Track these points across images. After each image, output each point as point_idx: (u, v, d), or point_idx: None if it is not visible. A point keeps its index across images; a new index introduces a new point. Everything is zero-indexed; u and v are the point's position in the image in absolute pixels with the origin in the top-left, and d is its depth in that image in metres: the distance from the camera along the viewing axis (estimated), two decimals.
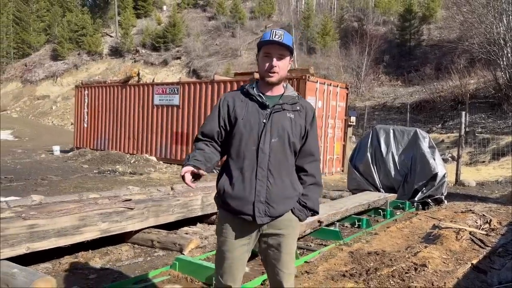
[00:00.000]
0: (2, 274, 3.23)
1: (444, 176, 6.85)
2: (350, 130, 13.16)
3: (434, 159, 6.89)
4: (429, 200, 6.96)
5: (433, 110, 21.92)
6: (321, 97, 11.20)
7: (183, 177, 1.94)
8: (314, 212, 2.18)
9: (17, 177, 9.95)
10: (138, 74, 23.27)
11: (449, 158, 14.31)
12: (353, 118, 13.08)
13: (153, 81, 24.37)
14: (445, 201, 7.09)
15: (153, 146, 13.74)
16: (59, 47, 40.73)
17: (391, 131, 7.43)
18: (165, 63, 36.98)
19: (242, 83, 11.44)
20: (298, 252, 4.24)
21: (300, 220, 2.14)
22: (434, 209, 6.61)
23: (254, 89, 2.09)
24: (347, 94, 12.53)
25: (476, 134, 16.13)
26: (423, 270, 3.53)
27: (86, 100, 16.12)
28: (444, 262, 3.78)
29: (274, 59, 2.01)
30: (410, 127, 7.58)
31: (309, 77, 10.66)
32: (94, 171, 11.45)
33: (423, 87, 24.78)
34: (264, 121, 2.02)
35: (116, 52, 40.12)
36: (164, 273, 3.53)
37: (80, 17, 41.72)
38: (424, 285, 3.28)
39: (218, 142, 2.12)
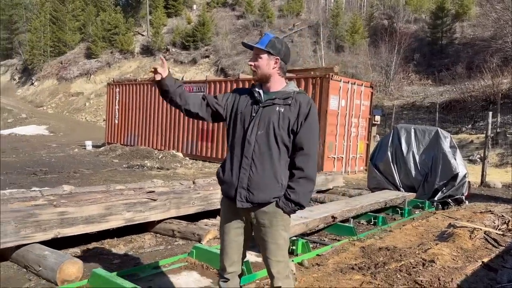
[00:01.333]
0: (35, 255, 3.55)
1: (465, 176, 6.82)
2: (374, 129, 13.11)
3: (455, 159, 6.87)
4: (449, 200, 6.94)
5: (463, 110, 21.40)
6: (345, 96, 11.23)
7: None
8: (300, 206, 2.23)
9: (51, 170, 10.50)
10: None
11: (478, 159, 14.03)
12: (377, 117, 13.01)
13: (182, 79, 24.90)
14: (466, 202, 7.05)
15: (180, 143, 14.14)
16: (92, 46, 42.08)
17: (412, 130, 7.43)
18: (194, 61, 37.56)
19: None
20: (311, 246, 4.40)
21: (284, 212, 2.23)
22: (453, 209, 6.60)
23: (257, 87, 2.30)
24: (371, 93, 12.50)
25: (507, 135, 15.70)
26: (431, 266, 3.61)
27: (117, 97, 16.70)
28: (453, 259, 3.85)
29: (253, 59, 2.28)
30: (432, 127, 7.56)
31: (332, 76, 10.72)
32: (124, 166, 11.91)
33: (454, 86, 24.21)
34: (254, 114, 2.23)
35: (147, 50, 41.04)
36: (182, 260, 3.77)
37: (113, 16, 42.89)
38: (430, 279, 3.37)
39: (208, 105, 2.33)
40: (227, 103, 2.34)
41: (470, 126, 20.13)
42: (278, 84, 2.29)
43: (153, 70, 2.21)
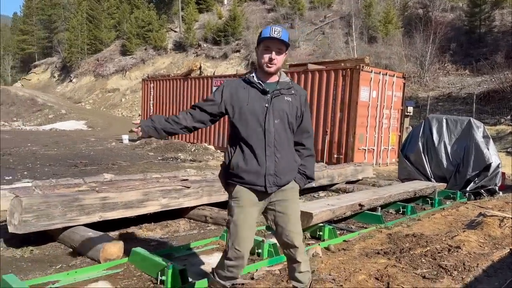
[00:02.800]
0: (80, 236, 3.86)
1: (498, 166, 6.72)
2: (407, 120, 12.94)
3: (488, 149, 6.77)
4: (482, 190, 6.85)
5: (502, 101, 20.67)
6: (376, 87, 11.15)
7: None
8: (311, 179, 2.54)
9: (91, 162, 11.03)
10: (200, 68, 24.28)
11: None
12: (410, 108, 12.84)
13: (213, 74, 25.29)
14: (500, 192, 6.94)
15: (212, 136, 14.48)
16: (127, 43, 43.25)
17: (444, 120, 7.36)
18: (225, 56, 37.91)
19: (296, 74, 11.72)
20: (338, 232, 4.53)
21: (300, 186, 2.47)
22: (485, 199, 6.52)
23: (254, 77, 2.37)
24: (404, 83, 12.33)
25: None
26: (457, 252, 3.67)
27: (152, 92, 17.23)
28: (480, 246, 3.88)
29: (273, 53, 2.29)
30: (464, 117, 7.45)
31: (363, 67, 10.67)
32: (159, 158, 12.34)
33: (492, 76, 23.36)
34: (266, 105, 2.31)
35: (179, 46, 41.76)
36: (214, 242, 4.00)
37: (147, 13, 43.86)
38: (455, 264, 3.43)
39: (205, 115, 2.41)
40: (224, 99, 2.37)
41: (509, 117, 19.43)
42: (276, 75, 2.40)
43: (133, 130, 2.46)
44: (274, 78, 2.39)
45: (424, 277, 3.23)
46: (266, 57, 2.30)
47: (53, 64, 54.36)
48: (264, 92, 2.34)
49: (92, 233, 3.86)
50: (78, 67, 47.54)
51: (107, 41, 47.56)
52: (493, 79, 23.11)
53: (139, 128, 2.40)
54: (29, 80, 55.57)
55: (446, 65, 30.30)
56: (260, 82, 2.36)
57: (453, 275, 3.28)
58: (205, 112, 2.41)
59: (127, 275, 3.28)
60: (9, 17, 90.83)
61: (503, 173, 8.13)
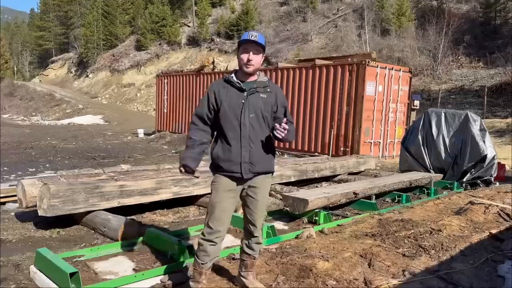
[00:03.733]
0: (101, 219, 4.36)
1: (493, 158, 7.01)
2: (413, 114, 13.19)
3: (484, 142, 7.06)
4: (479, 181, 7.16)
5: None
6: (382, 82, 11.44)
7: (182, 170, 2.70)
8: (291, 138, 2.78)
9: (108, 155, 11.62)
10: (213, 62, 24.72)
11: None
12: (416, 102, 13.08)
13: (226, 68, 25.70)
14: (497, 183, 7.24)
15: None
16: (142, 38, 43.99)
17: (443, 114, 7.66)
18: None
19: (304, 70, 12.07)
20: (334, 218, 4.94)
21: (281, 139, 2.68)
22: (479, 189, 6.83)
23: (234, 77, 2.68)
24: (410, 78, 12.57)
25: None
26: (437, 234, 4.06)
27: (166, 87, 17.76)
28: (460, 229, 4.25)
29: (251, 53, 2.59)
30: (462, 111, 7.74)
31: (369, 62, 10.96)
32: (172, 151, 12.88)
33: (506, 68, 23.24)
34: (243, 101, 2.63)
35: (193, 41, 42.29)
36: None
37: (161, 9, 44.45)
38: (434, 244, 3.82)
39: (208, 122, 2.71)
40: (213, 103, 2.67)
41: None
42: (255, 75, 2.71)
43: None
44: (252, 78, 2.70)
45: (404, 255, 3.63)
46: (245, 57, 2.59)
47: (70, 59, 55.56)
48: (241, 90, 2.65)
49: (111, 216, 4.36)
50: (94, 63, 48.54)
51: (122, 36, 48.43)
52: (506, 72, 23.00)
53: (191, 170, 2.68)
54: (47, 75, 56.94)
55: (459, 57, 30.11)
56: (238, 81, 2.66)
57: (431, 253, 3.67)
58: (205, 119, 2.71)
59: (142, 251, 3.77)
60: (27, 13, 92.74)
61: (503, 165, 8.41)
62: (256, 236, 2.84)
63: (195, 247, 2.82)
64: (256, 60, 2.62)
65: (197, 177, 5.34)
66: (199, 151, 2.69)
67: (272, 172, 2.85)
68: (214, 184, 2.71)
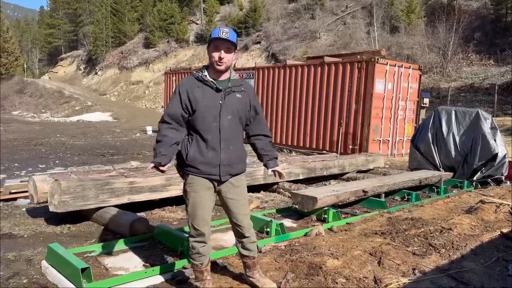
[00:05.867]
0: (111, 215, 4.39)
1: (504, 156, 6.94)
2: (423, 112, 13.10)
3: (495, 140, 6.99)
4: (489, 180, 7.09)
5: None
6: (391, 79, 11.36)
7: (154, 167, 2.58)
8: (276, 158, 2.93)
9: (117, 152, 11.70)
10: None
11: None
12: (426, 100, 12.98)
13: (234, 66, 25.68)
14: (507, 182, 7.16)
15: None
16: (150, 36, 44.12)
17: (453, 112, 7.59)
18: (245, 48, 38.22)
19: (312, 67, 12.03)
20: (343, 216, 4.93)
21: (274, 168, 2.90)
22: (490, 188, 6.76)
23: (207, 76, 2.57)
24: (420, 75, 12.47)
25: None
26: (448, 233, 4.03)
27: (174, 85, 17.80)
28: (471, 228, 4.22)
29: (222, 51, 2.49)
30: (472, 109, 7.66)
31: (378, 59, 10.89)
32: None
33: None
34: (220, 102, 2.55)
35: (201, 39, 42.30)
36: (227, 222, 4.43)
37: (169, 6, 44.52)
38: (444, 243, 3.79)
39: (182, 121, 2.58)
40: (186, 103, 2.54)
41: None
42: (227, 72, 2.62)
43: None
44: (225, 76, 2.61)
45: (414, 253, 3.61)
46: (216, 55, 2.50)
47: (79, 57, 55.90)
48: (217, 90, 2.56)
49: (121, 212, 4.38)
50: (103, 60, 48.80)
51: (130, 34, 48.61)
52: None
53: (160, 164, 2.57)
54: (56, 72, 57.39)
55: (469, 55, 29.82)
56: (213, 81, 2.56)
57: (441, 252, 3.65)
58: (179, 119, 2.58)
59: (152, 247, 3.79)
60: (36, 11, 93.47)
61: (510, 162, 8.31)
62: (248, 236, 2.79)
63: None
64: (228, 58, 2.53)
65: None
66: (174, 150, 2.59)
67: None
68: (192, 186, 2.61)
